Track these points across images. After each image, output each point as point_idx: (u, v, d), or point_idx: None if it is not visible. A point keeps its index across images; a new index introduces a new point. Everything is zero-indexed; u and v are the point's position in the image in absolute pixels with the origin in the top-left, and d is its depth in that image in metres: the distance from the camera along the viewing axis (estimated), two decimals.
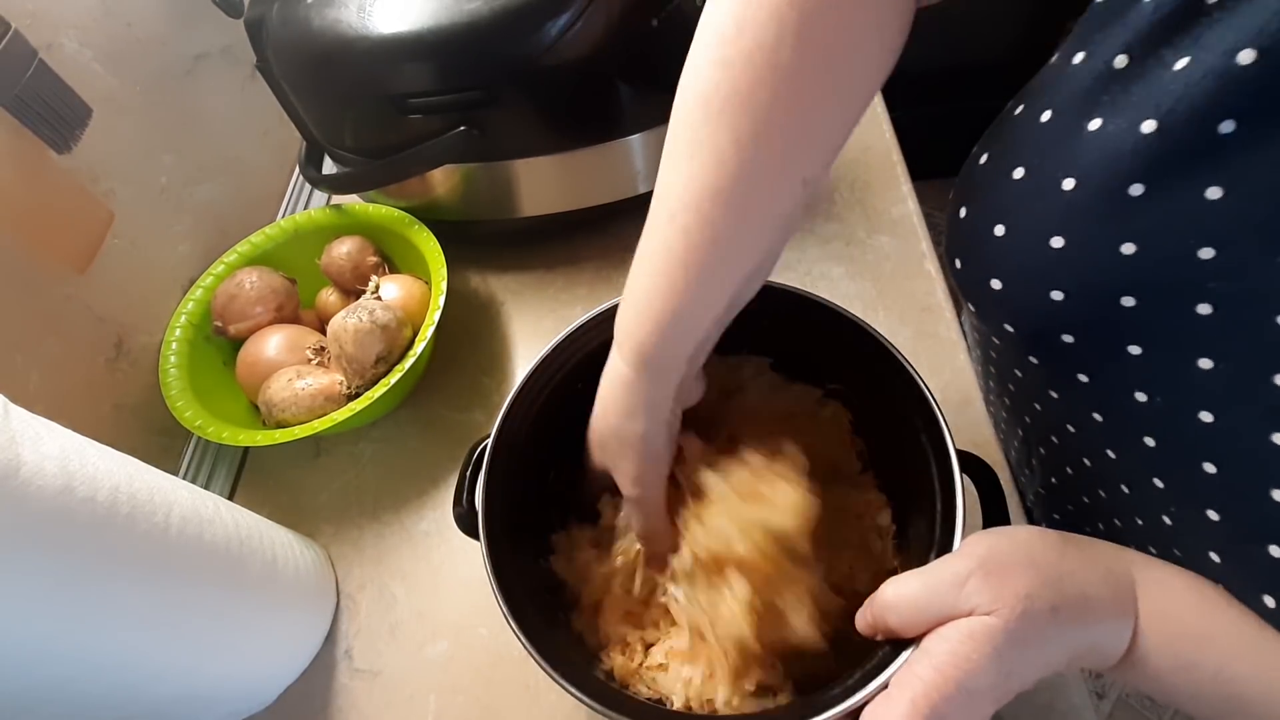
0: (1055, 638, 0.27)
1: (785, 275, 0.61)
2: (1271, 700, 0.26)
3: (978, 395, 0.52)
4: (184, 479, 0.46)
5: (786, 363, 0.47)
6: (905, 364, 0.38)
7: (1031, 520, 0.48)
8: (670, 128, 0.32)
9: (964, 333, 0.56)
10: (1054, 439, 0.38)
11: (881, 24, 0.29)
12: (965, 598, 0.27)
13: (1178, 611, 0.27)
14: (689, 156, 0.30)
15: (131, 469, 0.37)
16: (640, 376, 0.35)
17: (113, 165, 0.56)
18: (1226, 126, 0.23)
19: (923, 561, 0.34)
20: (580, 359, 0.43)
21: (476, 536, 0.37)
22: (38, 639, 0.32)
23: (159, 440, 0.57)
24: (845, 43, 0.29)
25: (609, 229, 0.65)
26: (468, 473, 0.41)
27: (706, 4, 0.30)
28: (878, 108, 0.71)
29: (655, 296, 0.33)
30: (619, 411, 0.36)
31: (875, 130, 0.69)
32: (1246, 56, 0.22)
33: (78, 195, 0.53)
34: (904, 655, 0.29)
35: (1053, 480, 0.42)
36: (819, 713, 0.30)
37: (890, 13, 0.29)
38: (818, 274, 0.61)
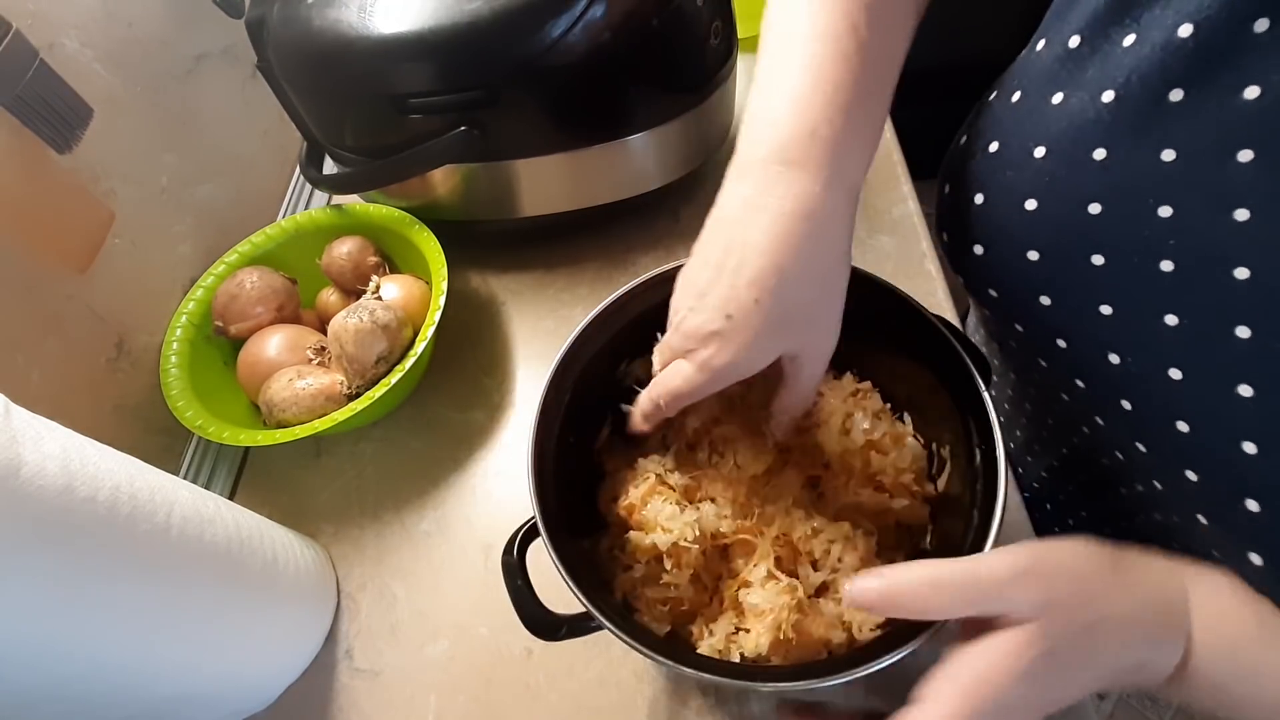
0: (1095, 657, 0.26)
1: None
2: None
3: None
4: (185, 479, 0.46)
5: None
6: (994, 425, 0.36)
7: (1029, 509, 0.48)
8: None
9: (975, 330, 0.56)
10: (1053, 414, 0.39)
11: None
12: (1009, 597, 0.26)
13: (1235, 619, 0.27)
14: None
15: (132, 469, 0.37)
16: (833, 193, 0.28)
17: (113, 165, 0.56)
18: (1175, 94, 0.25)
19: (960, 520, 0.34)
20: (627, 323, 0.43)
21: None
22: (38, 638, 0.32)
23: (160, 440, 0.57)
24: None
25: (610, 229, 0.65)
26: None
27: None
28: None
29: (827, 84, 0.28)
30: (814, 252, 0.29)
31: None
32: (1185, 30, 0.24)
33: (78, 195, 0.53)
34: (920, 639, 0.29)
35: (1054, 464, 0.43)
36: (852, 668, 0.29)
37: None
38: None
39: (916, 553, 0.41)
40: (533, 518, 0.36)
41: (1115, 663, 0.26)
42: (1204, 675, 0.27)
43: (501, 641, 0.47)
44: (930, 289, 0.58)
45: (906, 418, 0.44)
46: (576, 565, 0.34)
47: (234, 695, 0.45)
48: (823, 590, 0.38)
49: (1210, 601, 0.27)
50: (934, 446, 0.42)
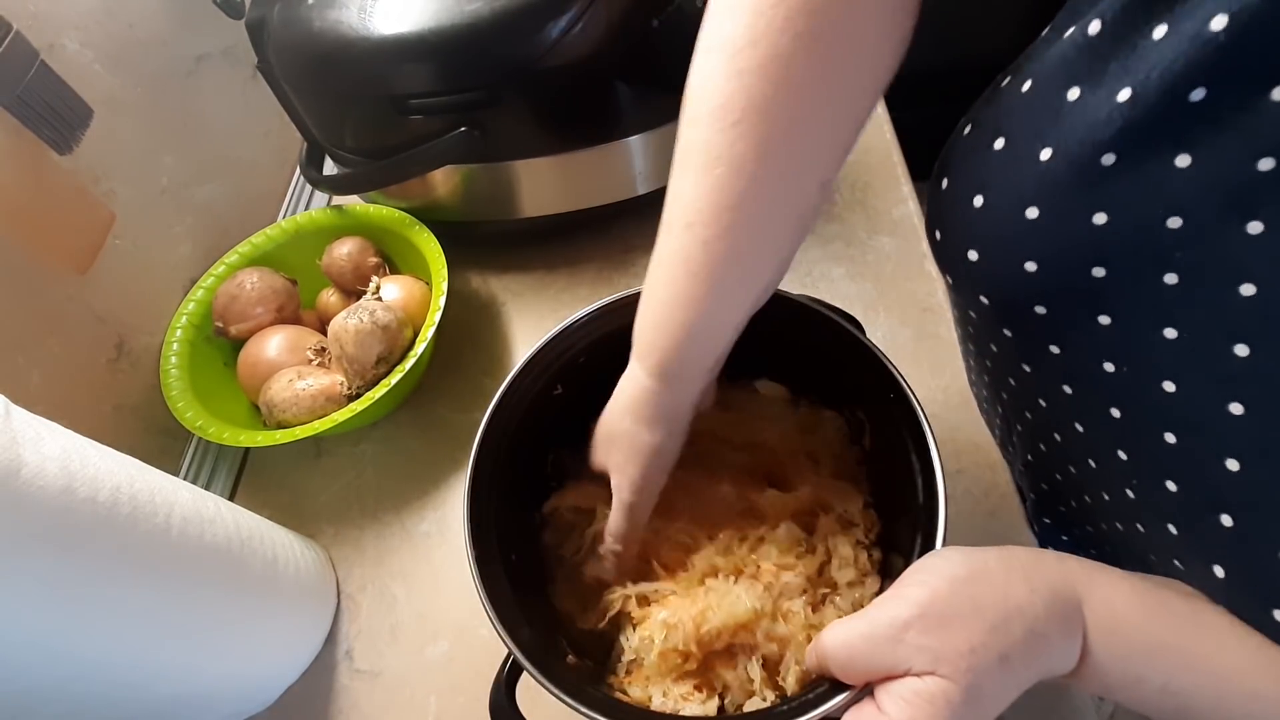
0: (1009, 682, 0.27)
1: (785, 277, 0.61)
2: (1218, 712, 0.26)
3: None
4: (185, 479, 0.46)
5: (775, 369, 0.47)
6: (889, 365, 0.38)
7: (1020, 491, 0.48)
8: (682, 138, 0.32)
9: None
10: (1028, 414, 0.38)
11: (887, 31, 0.30)
12: (905, 654, 0.27)
13: (1123, 628, 0.27)
14: (705, 169, 0.31)
15: (132, 469, 0.37)
16: (662, 387, 0.35)
17: (114, 166, 0.56)
18: (1197, 94, 0.23)
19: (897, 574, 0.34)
20: (563, 363, 0.44)
21: None
22: (39, 639, 0.32)
23: (160, 441, 0.57)
24: (854, 50, 0.30)
25: (610, 230, 0.65)
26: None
27: (710, 12, 0.30)
28: (878, 108, 0.71)
29: (676, 307, 0.33)
30: (636, 418, 0.36)
31: (875, 130, 0.69)
32: (1219, 23, 0.22)
33: (79, 196, 0.53)
34: (840, 697, 0.29)
35: (1029, 458, 0.43)
36: None
37: (895, 18, 0.30)
38: (818, 275, 0.61)
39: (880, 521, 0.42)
40: (509, 655, 0.37)
41: (1030, 677, 0.27)
42: (1095, 677, 0.27)
43: (501, 642, 0.47)
44: (930, 289, 0.58)
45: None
46: (570, 682, 0.35)
47: (234, 696, 0.45)
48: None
49: (1101, 609, 0.28)
50: (848, 412, 0.45)
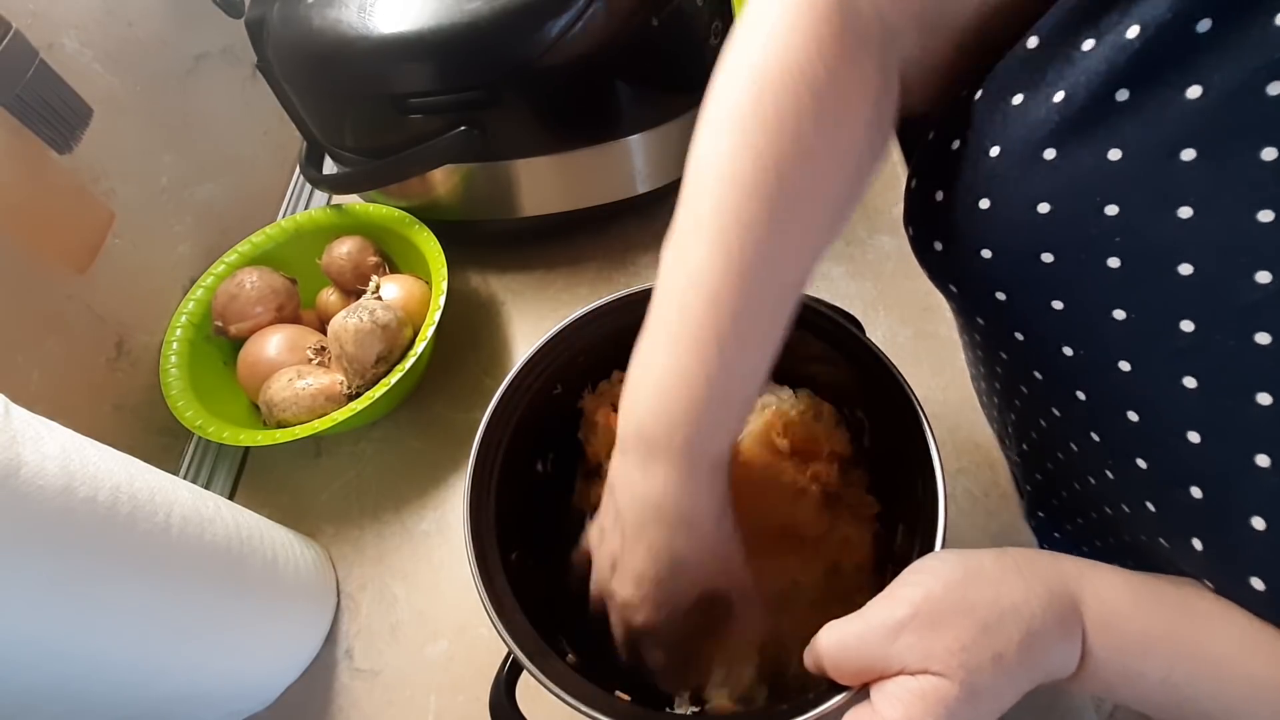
0: (1005, 683, 0.27)
1: None
2: (1219, 699, 0.27)
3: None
4: (184, 479, 0.46)
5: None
6: (889, 365, 0.39)
7: (1018, 486, 0.49)
8: (688, 200, 0.33)
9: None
10: (1017, 402, 0.40)
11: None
12: (898, 652, 0.27)
13: (1118, 622, 0.28)
14: (713, 233, 0.31)
15: (132, 469, 0.37)
16: (695, 476, 0.32)
17: (113, 165, 0.56)
18: (1122, 94, 0.25)
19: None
20: (563, 362, 0.44)
21: None
22: (38, 638, 0.32)
23: (159, 440, 0.57)
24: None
25: (610, 229, 0.66)
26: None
27: (716, 78, 0.32)
28: None
29: (689, 377, 0.31)
30: (675, 530, 0.32)
31: None
32: (1132, 31, 0.25)
33: (78, 195, 0.53)
34: (838, 698, 0.30)
35: (1024, 448, 0.44)
36: None
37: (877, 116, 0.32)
38: (818, 274, 0.61)
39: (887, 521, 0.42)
40: (509, 655, 0.36)
41: (1027, 677, 0.27)
42: (1098, 676, 0.28)
43: (501, 641, 0.47)
44: (930, 289, 0.58)
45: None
46: (573, 683, 0.34)
47: (234, 695, 0.45)
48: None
49: (1095, 605, 0.28)
50: (848, 412, 0.45)
